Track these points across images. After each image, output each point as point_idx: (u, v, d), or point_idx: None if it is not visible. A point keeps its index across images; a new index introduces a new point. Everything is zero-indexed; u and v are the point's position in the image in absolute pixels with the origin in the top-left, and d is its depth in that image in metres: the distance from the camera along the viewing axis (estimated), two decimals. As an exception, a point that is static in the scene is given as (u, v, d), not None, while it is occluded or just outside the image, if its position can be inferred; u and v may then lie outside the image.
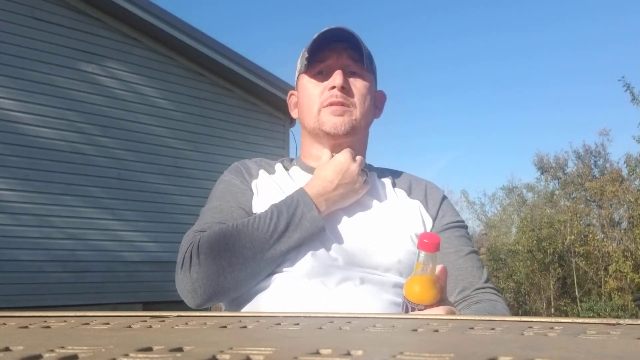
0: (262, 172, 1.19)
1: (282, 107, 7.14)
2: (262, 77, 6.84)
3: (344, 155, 1.11)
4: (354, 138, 1.18)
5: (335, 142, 1.17)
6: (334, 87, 1.15)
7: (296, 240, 1.02)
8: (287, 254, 1.03)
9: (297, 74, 1.25)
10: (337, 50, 1.17)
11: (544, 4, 32.77)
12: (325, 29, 1.16)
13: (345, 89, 1.15)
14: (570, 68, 31.51)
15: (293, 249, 1.03)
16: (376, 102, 1.25)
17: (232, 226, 1.02)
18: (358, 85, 1.18)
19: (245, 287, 1.03)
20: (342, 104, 1.15)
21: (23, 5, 5.43)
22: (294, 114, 1.27)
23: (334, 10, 38.02)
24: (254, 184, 1.16)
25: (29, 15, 5.46)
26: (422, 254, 0.85)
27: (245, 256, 0.99)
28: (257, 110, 7.13)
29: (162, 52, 6.34)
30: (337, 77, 1.15)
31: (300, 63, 1.23)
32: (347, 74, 1.17)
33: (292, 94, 1.29)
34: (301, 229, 1.02)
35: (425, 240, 0.84)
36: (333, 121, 1.15)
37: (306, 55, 1.17)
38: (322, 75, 1.18)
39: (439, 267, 0.88)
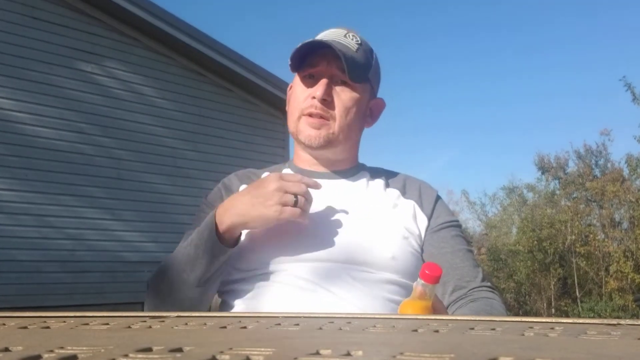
0: (243, 187, 1.17)
1: (282, 107, 7.05)
2: (262, 77, 6.84)
3: (270, 174, 1.07)
4: (332, 150, 1.17)
5: (311, 152, 1.18)
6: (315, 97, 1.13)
7: (207, 264, 1.01)
8: (207, 277, 1.03)
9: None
10: (327, 58, 1.13)
11: (544, 3, 32.80)
12: (306, 41, 1.13)
13: (327, 102, 1.13)
14: (572, 68, 31.54)
15: (210, 272, 1.03)
16: (372, 111, 1.23)
17: (168, 257, 1.08)
18: (343, 96, 1.14)
19: (197, 308, 1.07)
20: (321, 117, 1.13)
21: (22, 5, 5.43)
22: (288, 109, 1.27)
23: (334, 6, 38.02)
24: None
25: (28, 15, 5.46)
26: (422, 282, 0.87)
27: (176, 286, 1.04)
28: (257, 110, 7.12)
29: (162, 52, 6.34)
30: (319, 88, 1.12)
31: None
32: (336, 83, 1.14)
33: (291, 87, 1.26)
34: (207, 252, 1.01)
35: (427, 272, 0.87)
36: (308, 133, 1.13)
37: (289, 61, 1.15)
38: (312, 79, 1.15)
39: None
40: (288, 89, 1.27)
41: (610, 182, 14.66)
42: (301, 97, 1.15)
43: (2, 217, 5.19)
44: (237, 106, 6.96)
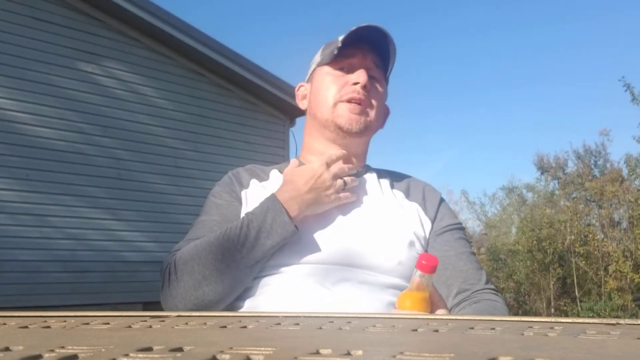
0: (253, 181, 1.17)
1: (282, 107, 7.14)
2: (262, 77, 6.84)
3: (318, 161, 1.09)
4: (361, 140, 1.18)
5: (344, 140, 1.17)
6: (356, 83, 1.14)
7: (270, 247, 1.02)
8: (265, 260, 1.03)
9: (313, 66, 1.24)
10: (363, 51, 1.17)
11: (544, 4, 32.81)
12: (362, 25, 1.14)
13: (367, 89, 1.15)
14: (571, 67, 31.53)
15: (269, 255, 1.03)
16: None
17: (205, 240, 1.03)
18: (378, 88, 1.18)
19: (230, 296, 1.03)
20: (362, 102, 1.15)
21: (23, 5, 5.43)
22: (302, 104, 1.26)
23: (334, 6, 38.03)
24: (243, 193, 1.15)
25: (28, 15, 5.46)
26: (419, 272, 0.88)
27: (218, 268, 1.00)
28: (257, 110, 7.12)
29: (162, 52, 6.34)
30: (362, 75, 1.14)
31: (321, 55, 1.22)
32: (368, 77, 1.16)
33: (302, 85, 1.27)
34: (273, 236, 1.01)
35: (424, 262, 0.88)
36: (349, 117, 1.14)
37: (338, 44, 1.15)
38: (343, 71, 1.18)
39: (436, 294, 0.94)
40: (297, 87, 1.28)
41: (610, 182, 14.66)
42: (336, 85, 1.16)
43: (3, 217, 5.18)
44: (237, 106, 6.96)
